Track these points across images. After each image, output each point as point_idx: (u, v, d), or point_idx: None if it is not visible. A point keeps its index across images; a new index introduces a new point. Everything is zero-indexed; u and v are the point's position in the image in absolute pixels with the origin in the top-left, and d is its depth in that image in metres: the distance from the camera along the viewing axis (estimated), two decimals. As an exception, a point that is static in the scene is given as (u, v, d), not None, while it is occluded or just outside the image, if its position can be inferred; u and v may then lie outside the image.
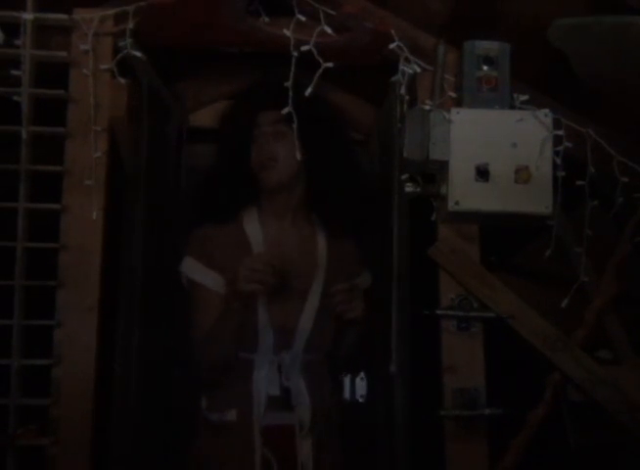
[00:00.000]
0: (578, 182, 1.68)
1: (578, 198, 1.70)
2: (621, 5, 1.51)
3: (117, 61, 1.64)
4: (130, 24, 1.62)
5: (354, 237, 1.98)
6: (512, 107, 1.64)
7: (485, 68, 1.64)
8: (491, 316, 1.69)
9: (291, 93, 1.57)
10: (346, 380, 2.00)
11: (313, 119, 1.79)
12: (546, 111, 1.62)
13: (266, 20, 1.70)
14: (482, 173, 1.59)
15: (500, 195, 1.59)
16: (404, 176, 1.66)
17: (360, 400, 1.99)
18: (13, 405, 1.55)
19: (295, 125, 1.59)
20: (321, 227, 1.92)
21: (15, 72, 1.58)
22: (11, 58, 1.59)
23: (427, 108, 1.63)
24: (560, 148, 1.63)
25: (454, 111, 1.61)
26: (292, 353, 1.81)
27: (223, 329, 1.76)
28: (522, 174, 1.59)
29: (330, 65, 1.59)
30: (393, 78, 1.70)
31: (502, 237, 1.85)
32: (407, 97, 1.66)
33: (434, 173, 1.66)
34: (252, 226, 1.88)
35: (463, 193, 1.59)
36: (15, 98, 1.58)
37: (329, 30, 1.63)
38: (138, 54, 1.65)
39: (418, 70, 1.70)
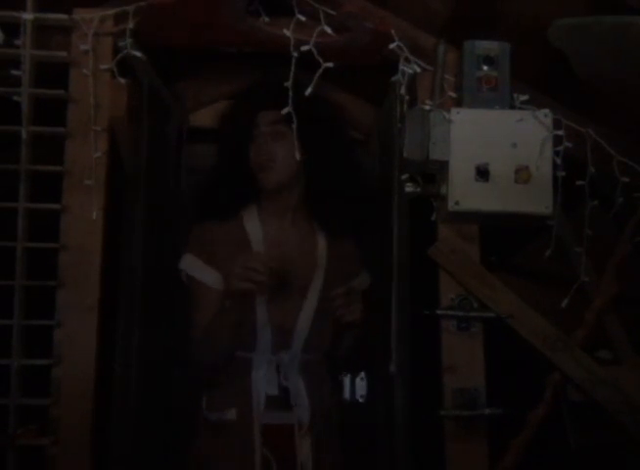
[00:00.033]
0: (578, 182, 1.68)
1: (578, 198, 1.69)
2: (621, 5, 1.50)
3: (117, 61, 1.64)
4: (130, 24, 1.62)
5: (354, 237, 1.97)
6: (512, 107, 1.64)
7: (485, 68, 1.64)
8: (491, 316, 1.69)
9: (291, 93, 1.57)
10: (346, 380, 2.00)
11: (313, 119, 1.79)
12: (546, 111, 1.62)
13: (266, 20, 1.70)
14: (482, 173, 1.59)
15: (500, 195, 1.59)
16: (404, 176, 1.66)
17: (360, 400, 1.99)
18: (13, 405, 1.55)
19: (294, 126, 1.59)
20: (321, 227, 1.92)
21: (15, 72, 1.58)
22: (11, 58, 1.59)
23: (427, 108, 1.63)
24: (560, 148, 1.63)
25: (454, 111, 1.62)
26: (290, 353, 1.81)
27: (219, 327, 1.76)
28: (522, 174, 1.59)
29: (330, 65, 1.59)
30: (393, 78, 1.70)
31: (502, 237, 1.85)
32: (407, 97, 1.66)
33: (434, 173, 1.67)
34: (253, 225, 1.88)
35: (463, 193, 1.59)
36: (15, 98, 1.58)
37: (329, 30, 1.63)
38: (138, 54, 1.65)
39: (418, 70, 1.70)
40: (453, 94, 1.69)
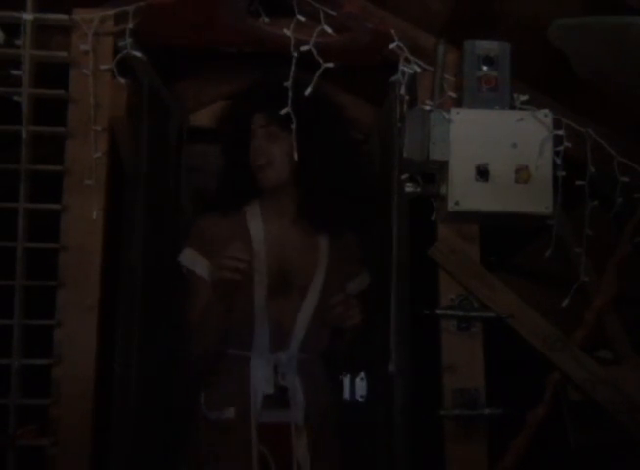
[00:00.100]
0: (578, 182, 1.68)
1: (578, 198, 1.69)
2: (621, 5, 1.50)
3: (117, 61, 1.64)
4: (130, 24, 1.62)
5: (355, 236, 1.98)
6: (512, 107, 1.65)
7: (485, 68, 1.64)
8: (491, 316, 1.69)
9: (290, 93, 1.57)
10: (346, 380, 2.00)
11: (314, 119, 1.79)
12: (546, 111, 1.62)
13: (266, 20, 1.70)
14: (482, 173, 1.59)
15: (500, 195, 1.59)
16: (404, 176, 1.66)
17: (360, 400, 1.99)
18: (13, 405, 1.55)
19: (293, 126, 1.59)
20: (321, 227, 1.92)
21: (15, 72, 1.58)
22: (11, 58, 1.60)
23: (427, 108, 1.63)
24: (560, 148, 1.64)
25: (454, 111, 1.62)
26: (288, 353, 1.81)
27: (207, 318, 1.76)
28: (522, 174, 1.59)
29: (330, 65, 1.59)
30: (393, 78, 1.70)
31: (502, 237, 1.85)
32: (407, 97, 1.66)
33: (434, 173, 1.67)
34: (255, 223, 1.88)
35: (463, 193, 1.59)
36: (15, 98, 1.58)
37: (329, 30, 1.63)
38: (138, 54, 1.65)
39: (418, 70, 1.70)
40: (453, 94, 1.69)
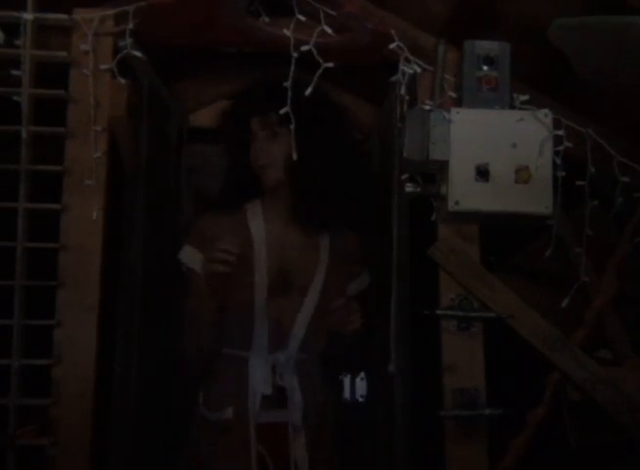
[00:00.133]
0: (578, 182, 1.68)
1: (578, 198, 1.69)
2: (621, 5, 1.50)
3: (117, 61, 1.64)
4: (130, 24, 1.62)
5: (355, 236, 1.98)
6: (512, 107, 1.64)
7: (485, 68, 1.64)
8: (491, 316, 1.69)
9: (290, 93, 1.57)
10: (346, 380, 2.00)
11: (315, 119, 1.79)
12: (546, 111, 1.62)
13: (266, 20, 1.70)
14: (482, 173, 1.59)
15: (500, 195, 1.59)
16: (404, 176, 1.66)
17: (360, 400, 1.99)
18: (13, 405, 1.55)
19: (292, 126, 1.59)
20: (321, 227, 1.92)
21: (15, 72, 1.58)
22: (11, 58, 1.59)
23: (427, 108, 1.63)
24: (560, 148, 1.63)
25: (454, 111, 1.62)
26: (286, 353, 1.81)
27: (201, 315, 1.77)
28: (522, 174, 1.59)
29: (330, 65, 1.59)
30: (393, 78, 1.70)
31: (502, 237, 1.85)
32: (407, 97, 1.66)
33: (434, 173, 1.67)
34: (256, 222, 1.88)
35: (463, 193, 1.59)
36: (15, 98, 1.58)
37: (329, 30, 1.63)
38: (138, 54, 1.65)
39: (418, 70, 1.70)
40: (453, 94, 1.69)
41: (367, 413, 1.95)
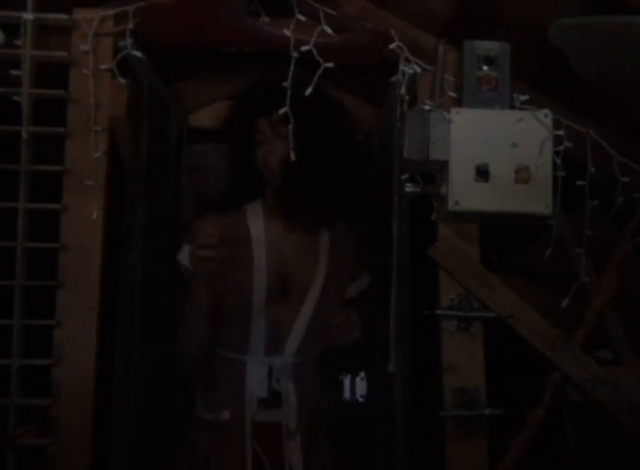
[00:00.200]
0: (578, 182, 1.68)
1: (578, 198, 1.69)
2: (621, 5, 1.50)
3: (117, 61, 1.64)
4: (130, 24, 1.62)
5: (355, 236, 1.97)
6: (512, 107, 1.64)
7: (485, 68, 1.64)
8: (491, 316, 1.69)
9: (289, 93, 1.57)
10: (346, 380, 2.00)
11: (316, 119, 1.79)
12: (546, 111, 1.62)
13: (266, 20, 1.70)
14: (482, 173, 1.59)
15: (500, 195, 1.59)
16: (404, 176, 1.66)
17: (360, 400, 1.99)
18: (13, 405, 1.55)
19: (291, 126, 1.59)
20: (320, 226, 1.91)
21: (15, 72, 1.58)
22: (11, 58, 1.59)
23: (427, 108, 1.63)
24: (560, 148, 1.63)
25: (454, 111, 1.62)
26: (283, 355, 1.82)
27: (194, 313, 1.77)
28: (522, 174, 1.59)
29: (330, 65, 1.59)
30: (393, 78, 1.70)
31: (502, 237, 1.85)
32: (407, 97, 1.66)
33: (434, 173, 1.67)
34: (256, 222, 1.88)
35: (463, 193, 1.59)
36: (15, 98, 1.58)
37: (329, 30, 1.63)
38: (138, 54, 1.65)
39: (418, 70, 1.70)
40: (453, 94, 1.69)
41: (367, 413, 1.95)
